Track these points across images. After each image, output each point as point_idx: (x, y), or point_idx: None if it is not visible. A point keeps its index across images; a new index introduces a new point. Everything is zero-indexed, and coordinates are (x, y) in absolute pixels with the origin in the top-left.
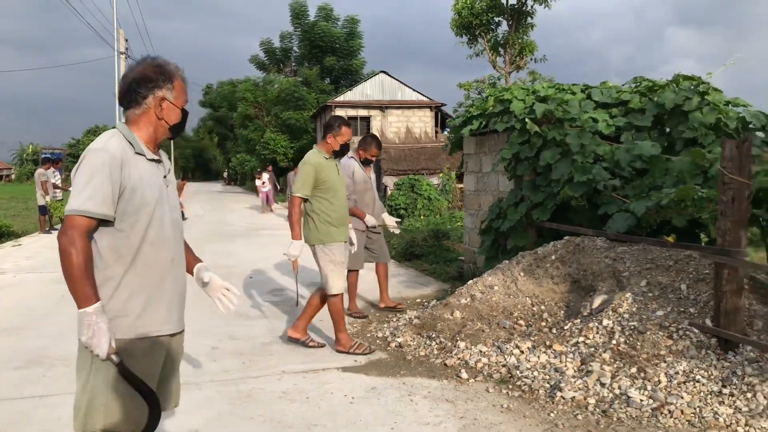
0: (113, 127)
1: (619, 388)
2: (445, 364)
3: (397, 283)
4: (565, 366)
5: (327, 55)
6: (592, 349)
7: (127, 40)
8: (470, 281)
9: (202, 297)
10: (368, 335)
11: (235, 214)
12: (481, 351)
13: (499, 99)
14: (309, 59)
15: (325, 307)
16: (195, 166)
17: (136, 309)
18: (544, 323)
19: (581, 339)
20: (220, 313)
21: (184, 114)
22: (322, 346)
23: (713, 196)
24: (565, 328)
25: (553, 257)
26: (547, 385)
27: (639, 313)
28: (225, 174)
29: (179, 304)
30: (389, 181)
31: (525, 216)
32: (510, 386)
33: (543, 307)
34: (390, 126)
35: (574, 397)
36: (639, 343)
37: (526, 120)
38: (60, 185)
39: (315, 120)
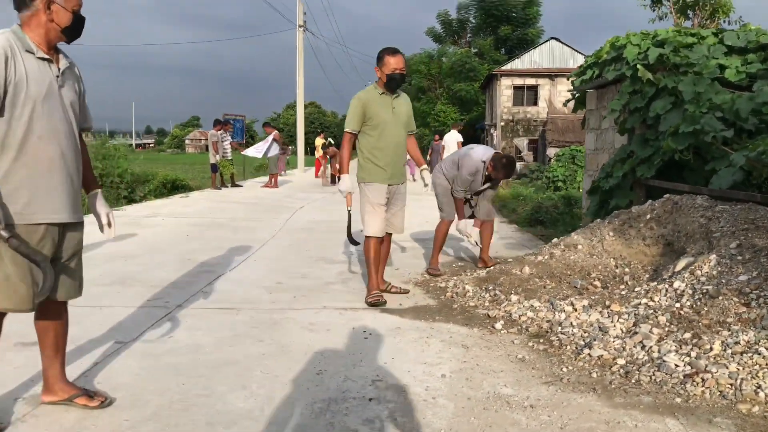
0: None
1: (659, 351)
2: (488, 315)
3: (503, 244)
4: (614, 326)
5: (502, 24)
6: (652, 311)
7: (305, 14)
8: (555, 239)
9: (297, 245)
10: (431, 284)
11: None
12: (532, 306)
13: (613, 44)
14: (484, 29)
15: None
16: None
17: (23, 198)
18: (623, 286)
19: (644, 300)
20: (307, 257)
21: (76, 18)
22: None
23: None
24: (636, 290)
25: (648, 216)
26: (581, 342)
27: (718, 276)
28: None
29: (71, 196)
30: (553, 153)
31: (630, 173)
32: (540, 340)
33: (627, 270)
34: (559, 95)
35: (601, 355)
36: (705, 308)
37: (638, 66)
38: (230, 146)
39: (485, 91)
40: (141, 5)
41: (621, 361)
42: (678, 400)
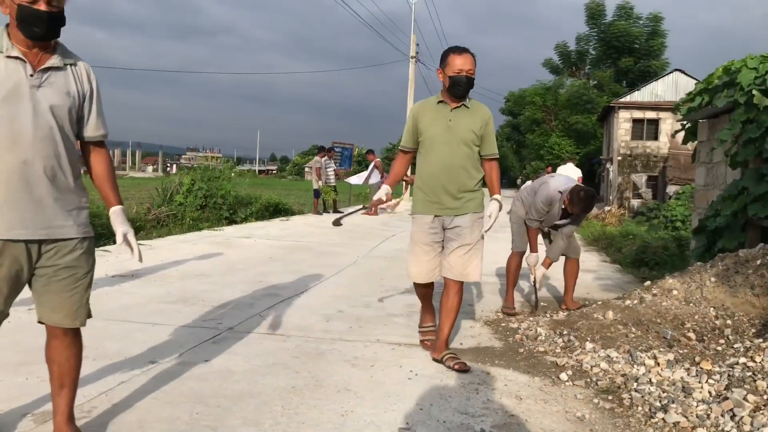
0: None
1: (751, 425)
2: (556, 363)
3: (597, 285)
4: (700, 387)
5: (623, 55)
6: (750, 373)
7: (418, 45)
8: (647, 282)
9: (374, 273)
10: (501, 324)
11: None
12: (608, 356)
13: (727, 69)
14: (604, 61)
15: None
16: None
17: None
18: (722, 341)
19: (743, 360)
20: (379, 286)
21: (25, 12)
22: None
23: None
24: (735, 347)
25: (759, 262)
26: (657, 404)
27: None
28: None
29: (34, 209)
30: (673, 191)
31: (741, 211)
32: (609, 397)
33: (729, 322)
34: None
35: (678, 422)
36: None
37: (754, 92)
38: (334, 173)
39: (603, 124)
40: (269, 40)
41: (701, 431)
42: None
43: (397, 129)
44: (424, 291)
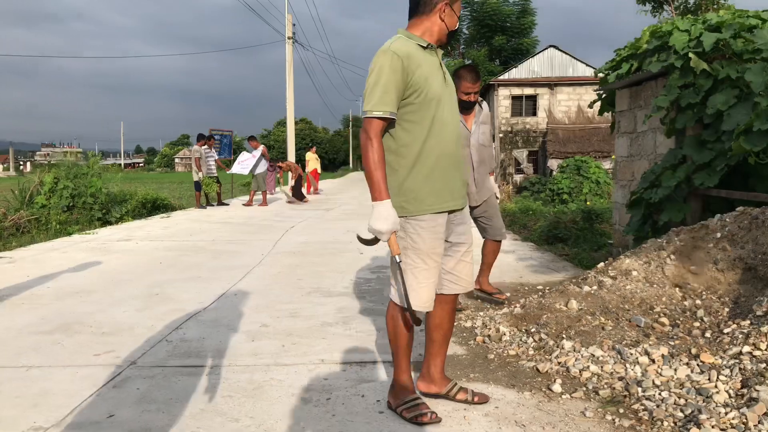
0: None
1: None
2: (537, 370)
3: (524, 267)
4: (715, 387)
5: (496, 34)
6: (764, 365)
7: (294, 25)
8: (600, 264)
9: (287, 272)
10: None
11: None
12: (593, 355)
13: (656, 33)
14: (478, 40)
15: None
16: None
17: None
18: (697, 323)
19: (747, 349)
20: (298, 288)
21: None
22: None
23: None
24: (726, 332)
25: (719, 235)
26: (680, 414)
27: None
28: None
29: None
30: (554, 164)
31: (685, 182)
32: (621, 410)
33: (699, 302)
34: (559, 105)
35: None
36: None
37: (690, 55)
38: (216, 162)
39: None
40: (127, 26)
41: None
42: None
43: (273, 115)
44: (411, 329)
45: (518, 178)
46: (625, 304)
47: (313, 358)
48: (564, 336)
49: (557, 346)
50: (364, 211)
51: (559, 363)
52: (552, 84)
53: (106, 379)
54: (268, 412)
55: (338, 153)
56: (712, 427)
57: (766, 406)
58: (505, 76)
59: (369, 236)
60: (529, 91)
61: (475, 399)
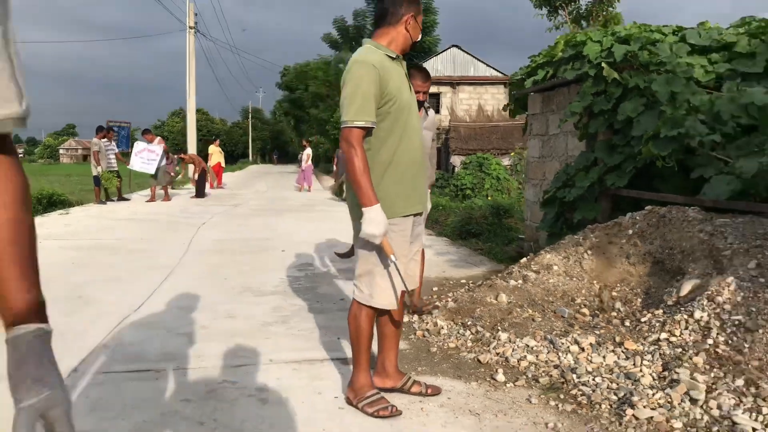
0: None
1: (719, 408)
2: (479, 361)
3: (444, 261)
4: (640, 371)
5: None
6: (679, 349)
7: (197, 15)
8: (523, 259)
9: (212, 272)
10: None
11: (295, 191)
12: (527, 346)
13: (570, 42)
14: None
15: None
16: (272, 149)
17: None
18: (614, 313)
19: (664, 336)
20: (228, 288)
21: None
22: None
23: None
24: (643, 320)
25: (630, 231)
26: (614, 397)
27: (746, 304)
28: (275, 156)
29: None
30: (457, 161)
31: (597, 182)
32: (561, 395)
33: (614, 293)
34: (461, 103)
35: (651, 417)
36: (747, 346)
37: (603, 65)
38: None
39: None
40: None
41: (678, 424)
42: None
43: (168, 105)
44: (372, 328)
45: None
46: (549, 297)
47: (261, 359)
48: (499, 328)
49: (494, 338)
50: (273, 206)
51: (497, 354)
52: (454, 83)
53: None
54: (230, 414)
55: (237, 145)
56: (644, 407)
57: (687, 386)
58: None
59: (344, 250)
60: (432, 89)
61: (429, 391)
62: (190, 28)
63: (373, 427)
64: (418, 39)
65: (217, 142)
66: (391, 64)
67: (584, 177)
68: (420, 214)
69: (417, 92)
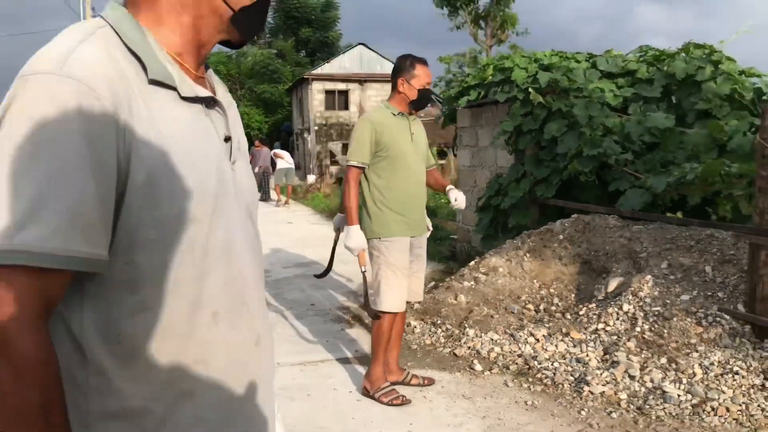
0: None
1: (651, 381)
2: (455, 354)
3: None
4: (587, 356)
5: (303, 26)
6: (615, 337)
7: (93, 9)
8: (472, 262)
9: None
10: (366, 322)
11: None
12: (492, 339)
13: (499, 67)
14: (284, 31)
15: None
16: None
17: None
18: (554, 308)
19: (600, 326)
20: None
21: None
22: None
23: (745, 172)
24: (581, 313)
25: (561, 237)
26: (571, 378)
27: (662, 297)
28: None
29: None
30: None
31: (528, 192)
32: (530, 379)
33: (552, 290)
34: (369, 100)
35: (603, 392)
36: (666, 331)
37: (530, 90)
38: None
39: (291, 94)
40: None
41: (623, 396)
42: None
43: None
44: (395, 326)
45: (334, 169)
46: (499, 296)
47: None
48: (465, 325)
49: (463, 334)
50: None
51: (469, 347)
52: (362, 80)
53: None
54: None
55: None
56: (597, 384)
57: (625, 365)
58: (318, 70)
59: (320, 272)
60: (341, 86)
61: (425, 382)
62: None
63: (392, 413)
64: (417, 96)
65: None
66: (392, 120)
67: (516, 187)
68: (418, 236)
69: (428, 84)
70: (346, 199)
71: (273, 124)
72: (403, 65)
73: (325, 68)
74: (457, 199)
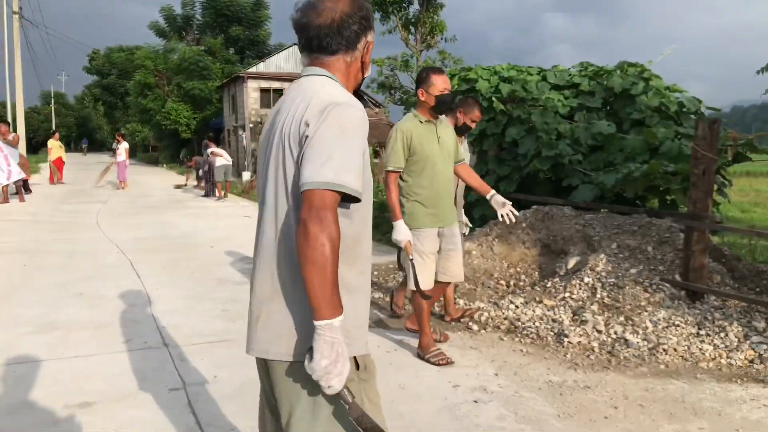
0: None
1: (615, 333)
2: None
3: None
4: (560, 317)
5: (233, 24)
6: (580, 302)
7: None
8: None
9: (204, 267)
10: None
11: (154, 185)
12: (480, 307)
13: (465, 78)
14: (213, 28)
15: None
16: (78, 136)
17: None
18: (522, 283)
19: (567, 294)
20: (210, 279)
21: None
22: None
23: (680, 170)
24: (548, 285)
25: (524, 224)
26: (552, 333)
27: (615, 271)
28: (83, 144)
29: None
30: None
31: (492, 188)
32: (519, 335)
33: (518, 269)
34: None
35: (579, 341)
36: (621, 297)
37: (493, 99)
38: None
39: (222, 91)
40: None
41: (595, 344)
42: (662, 367)
43: None
44: (428, 305)
45: None
46: (476, 274)
47: None
48: (456, 297)
49: (456, 304)
50: (144, 203)
51: None
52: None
53: None
54: None
55: (37, 132)
56: (574, 336)
57: (592, 323)
58: (253, 69)
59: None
60: (276, 85)
61: (442, 338)
62: (15, 13)
63: (419, 361)
64: (434, 103)
65: (57, 135)
66: (420, 127)
67: None
68: (449, 226)
69: (473, 122)
70: (392, 198)
71: (201, 120)
72: (421, 77)
73: (260, 67)
74: (505, 206)
